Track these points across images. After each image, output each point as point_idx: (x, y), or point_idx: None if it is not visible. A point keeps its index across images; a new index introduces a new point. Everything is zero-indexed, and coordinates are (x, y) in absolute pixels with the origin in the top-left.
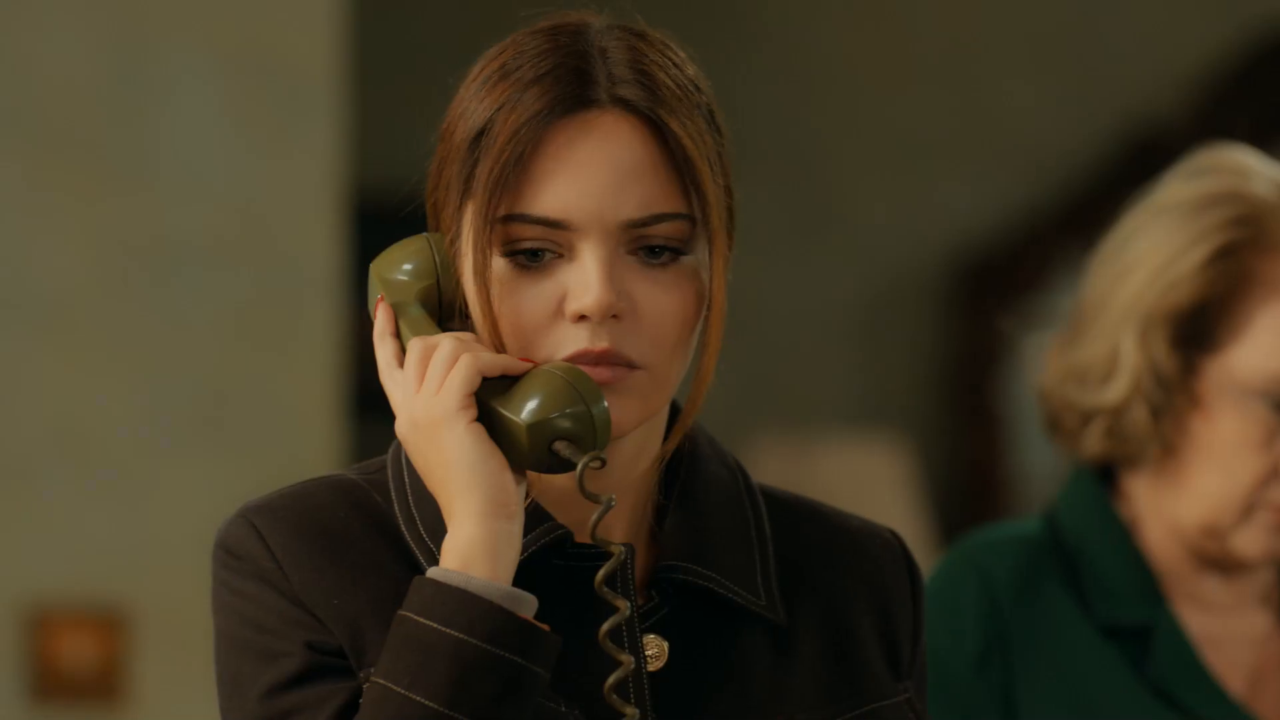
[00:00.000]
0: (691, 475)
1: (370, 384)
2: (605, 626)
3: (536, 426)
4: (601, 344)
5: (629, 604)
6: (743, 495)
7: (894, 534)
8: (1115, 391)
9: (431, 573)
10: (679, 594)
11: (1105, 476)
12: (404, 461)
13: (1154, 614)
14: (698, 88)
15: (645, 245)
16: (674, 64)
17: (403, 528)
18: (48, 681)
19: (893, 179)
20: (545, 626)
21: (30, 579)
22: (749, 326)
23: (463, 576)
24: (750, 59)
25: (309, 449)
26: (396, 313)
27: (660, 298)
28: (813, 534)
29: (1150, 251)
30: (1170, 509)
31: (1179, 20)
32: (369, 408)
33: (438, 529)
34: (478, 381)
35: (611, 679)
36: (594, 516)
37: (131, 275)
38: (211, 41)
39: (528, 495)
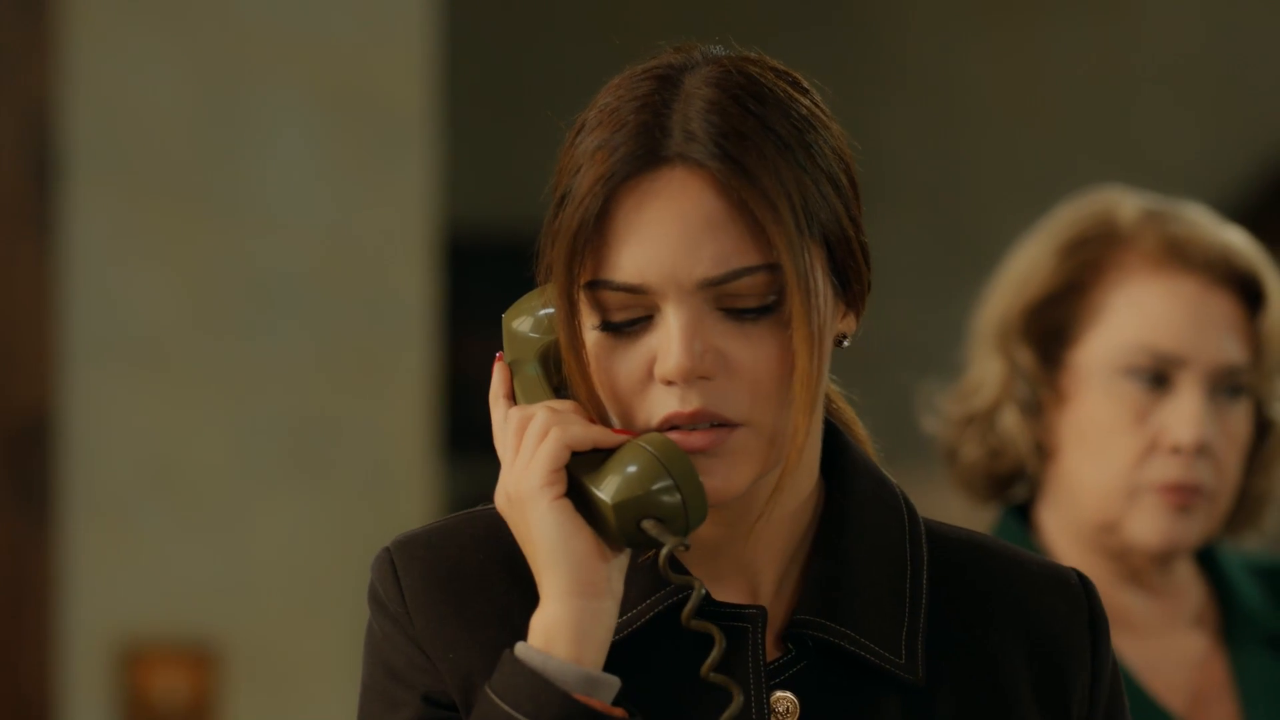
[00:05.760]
0: (840, 523)
1: (463, 421)
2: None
3: (622, 506)
4: (692, 405)
5: (741, 694)
6: (904, 543)
7: (1079, 577)
8: (984, 397)
9: (517, 648)
10: (819, 648)
11: (1025, 517)
12: None
13: None
14: (802, 124)
15: (731, 303)
16: (765, 101)
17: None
18: (139, 716)
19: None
20: (620, 712)
21: (124, 614)
22: (911, 363)
23: (541, 657)
24: (896, 95)
25: (402, 486)
26: (513, 371)
27: (753, 352)
28: (979, 579)
29: (1010, 268)
30: (1069, 518)
31: None
32: (462, 445)
33: None
34: (566, 456)
35: None
36: (688, 606)
37: (227, 314)
38: (307, 82)
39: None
